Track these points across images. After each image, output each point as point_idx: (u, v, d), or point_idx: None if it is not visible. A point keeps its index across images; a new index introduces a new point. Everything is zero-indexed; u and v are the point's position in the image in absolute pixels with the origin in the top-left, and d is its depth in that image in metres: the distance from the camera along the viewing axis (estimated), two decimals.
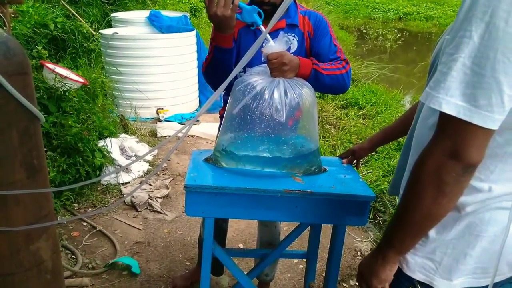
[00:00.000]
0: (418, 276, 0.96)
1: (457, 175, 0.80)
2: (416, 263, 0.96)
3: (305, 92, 1.43)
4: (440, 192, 0.82)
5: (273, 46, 1.42)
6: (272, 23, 0.71)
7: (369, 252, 2.23)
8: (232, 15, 1.38)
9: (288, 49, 1.62)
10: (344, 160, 1.68)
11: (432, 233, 0.93)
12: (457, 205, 0.87)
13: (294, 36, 1.65)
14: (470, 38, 0.76)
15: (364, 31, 12.55)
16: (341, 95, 5.29)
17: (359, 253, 2.55)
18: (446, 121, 0.80)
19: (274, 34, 1.53)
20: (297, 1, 1.72)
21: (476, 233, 0.90)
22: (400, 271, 0.98)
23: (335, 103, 5.09)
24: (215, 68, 1.60)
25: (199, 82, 4.90)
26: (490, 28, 0.74)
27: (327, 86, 1.60)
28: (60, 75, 2.98)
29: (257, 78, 1.43)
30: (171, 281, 2.21)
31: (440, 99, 0.79)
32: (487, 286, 0.91)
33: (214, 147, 1.54)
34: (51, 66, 3.07)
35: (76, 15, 5.32)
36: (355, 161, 1.71)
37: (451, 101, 0.77)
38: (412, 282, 0.97)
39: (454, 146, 0.79)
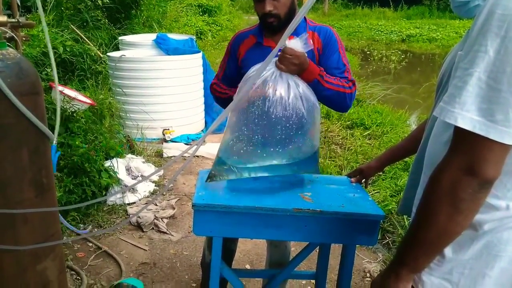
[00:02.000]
0: None
1: (473, 192, 0.79)
2: (432, 284, 0.93)
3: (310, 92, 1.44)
4: (456, 209, 0.80)
5: (296, 44, 1.41)
6: (284, 39, 0.72)
7: (380, 271, 2.18)
8: None
9: None
10: (352, 179, 1.67)
11: (448, 252, 0.91)
12: (474, 223, 0.85)
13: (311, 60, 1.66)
14: (486, 53, 0.75)
15: (368, 52, 12.67)
16: (346, 114, 5.30)
17: (368, 274, 2.50)
18: (461, 136, 0.79)
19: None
20: (306, 17, 1.74)
21: (495, 253, 0.88)
22: None
23: (340, 124, 5.09)
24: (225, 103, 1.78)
25: (205, 103, 4.94)
26: (506, 42, 0.74)
27: (325, 99, 1.59)
28: (68, 96, 3.03)
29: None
30: None
31: (456, 113, 0.78)
32: None
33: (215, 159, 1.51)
34: (59, 87, 3.12)
35: (85, 38, 5.42)
36: (364, 180, 1.70)
37: (466, 116, 0.77)
38: None
39: (470, 162, 0.78)
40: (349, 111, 5.38)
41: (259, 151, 1.41)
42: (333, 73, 1.64)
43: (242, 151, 1.43)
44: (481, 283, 0.90)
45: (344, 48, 1.72)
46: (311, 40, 1.53)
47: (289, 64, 1.41)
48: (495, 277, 0.89)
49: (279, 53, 1.43)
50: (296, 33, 1.65)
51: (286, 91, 1.38)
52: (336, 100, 1.61)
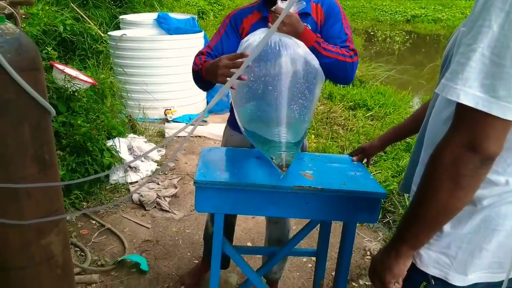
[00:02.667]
0: (432, 271, 0.95)
1: (474, 168, 0.78)
2: (430, 258, 0.94)
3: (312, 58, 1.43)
4: (457, 185, 0.80)
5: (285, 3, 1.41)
6: (286, 10, 0.70)
7: (380, 248, 2.20)
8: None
9: None
10: (354, 158, 1.67)
11: (446, 227, 0.91)
12: (473, 198, 0.85)
13: (307, 25, 1.60)
14: (490, 28, 0.74)
15: (371, 33, 12.52)
16: (349, 95, 5.27)
17: (368, 253, 2.53)
18: (463, 112, 0.78)
19: None
20: None
21: (493, 227, 0.89)
22: (414, 266, 0.96)
23: (343, 104, 5.07)
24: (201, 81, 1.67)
25: None
26: (510, 17, 0.72)
27: (324, 67, 1.49)
28: (70, 75, 3.01)
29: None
30: (178, 279, 2.21)
31: (458, 90, 0.77)
32: (504, 281, 0.90)
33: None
34: (60, 66, 3.10)
35: (85, 17, 5.37)
36: (365, 159, 1.70)
37: (469, 92, 0.76)
38: (426, 277, 0.96)
39: (472, 138, 0.77)
40: (352, 91, 5.39)
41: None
42: (335, 43, 1.58)
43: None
44: (478, 256, 0.91)
45: (348, 21, 1.67)
46: (303, 2, 1.48)
47: (281, 24, 1.39)
48: (492, 250, 0.90)
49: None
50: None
51: (285, 50, 1.35)
52: (336, 70, 1.54)
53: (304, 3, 1.51)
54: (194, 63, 1.67)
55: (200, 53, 1.70)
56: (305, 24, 1.54)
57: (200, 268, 2.20)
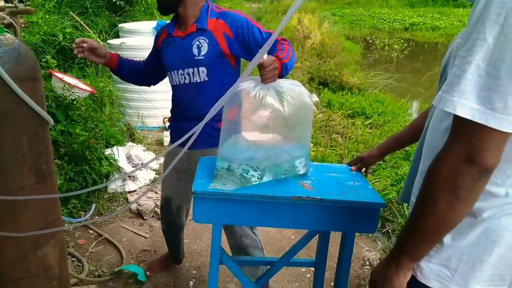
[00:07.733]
0: (433, 283, 0.94)
1: (472, 180, 0.78)
2: (431, 271, 0.94)
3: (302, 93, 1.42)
4: (455, 197, 0.80)
5: (265, 56, 1.41)
6: (281, 26, 0.71)
7: (380, 260, 2.17)
8: (88, 56, 1.94)
9: (199, 52, 1.72)
10: (353, 167, 1.67)
11: (447, 239, 0.91)
12: (473, 210, 0.85)
13: (204, 40, 1.72)
14: (484, 40, 0.75)
15: (370, 41, 12.57)
16: (347, 103, 5.28)
17: (367, 263, 2.52)
18: (460, 124, 0.79)
19: (188, 37, 1.73)
20: (216, 5, 1.80)
21: (493, 239, 0.88)
22: (414, 279, 0.96)
23: (342, 112, 5.08)
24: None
25: None
26: (505, 30, 0.73)
27: (290, 68, 1.61)
28: (69, 84, 3.01)
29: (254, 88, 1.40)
30: (147, 265, 2.34)
31: (455, 102, 0.77)
32: None
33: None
34: (59, 75, 3.10)
35: (85, 25, 5.39)
36: (364, 168, 1.69)
37: (466, 104, 0.76)
38: None
39: (469, 150, 0.78)
40: (351, 99, 5.41)
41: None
42: (273, 46, 1.65)
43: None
44: (479, 269, 0.90)
45: (257, 23, 1.76)
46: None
47: (274, 75, 1.42)
48: (493, 263, 0.90)
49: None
50: (198, 21, 1.73)
51: (276, 98, 1.37)
52: (294, 62, 1.66)
53: (202, 41, 1.71)
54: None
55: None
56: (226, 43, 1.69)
57: (166, 257, 2.36)
